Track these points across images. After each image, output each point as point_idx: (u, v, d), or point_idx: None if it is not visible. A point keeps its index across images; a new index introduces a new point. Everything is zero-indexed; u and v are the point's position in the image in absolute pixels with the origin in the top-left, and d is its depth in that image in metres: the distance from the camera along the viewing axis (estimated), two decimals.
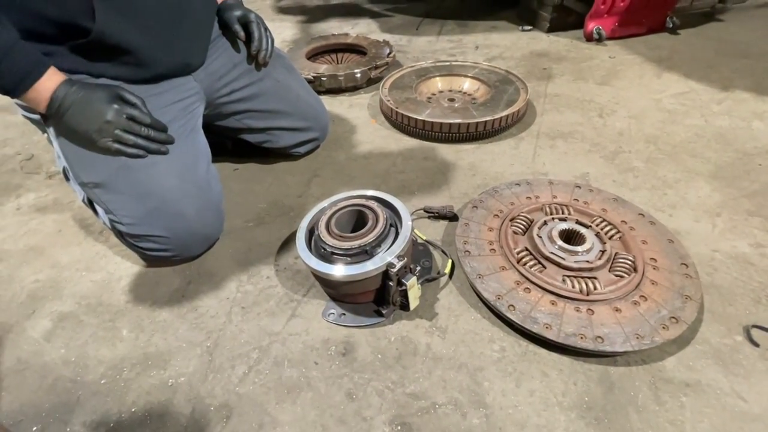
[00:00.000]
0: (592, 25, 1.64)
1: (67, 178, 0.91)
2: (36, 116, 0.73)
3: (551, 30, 1.76)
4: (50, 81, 0.64)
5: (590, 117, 1.18)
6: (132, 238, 0.75)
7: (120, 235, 0.77)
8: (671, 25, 1.66)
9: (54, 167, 1.12)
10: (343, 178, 1.01)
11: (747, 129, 1.09)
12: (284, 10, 2.25)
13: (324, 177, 1.01)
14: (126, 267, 0.81)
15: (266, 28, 0.90)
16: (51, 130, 0.73)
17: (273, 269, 0.79)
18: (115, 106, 0.66)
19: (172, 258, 0.77)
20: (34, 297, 0.76)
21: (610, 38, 1.66)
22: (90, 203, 0.86)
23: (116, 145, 0.68)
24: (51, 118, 0.68)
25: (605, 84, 1.36)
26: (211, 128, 0.95)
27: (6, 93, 0.63)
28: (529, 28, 1.82)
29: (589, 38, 1.65)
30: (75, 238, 0.89)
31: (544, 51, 1.61)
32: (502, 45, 1.68)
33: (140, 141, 0.69)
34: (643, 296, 0.64)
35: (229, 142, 1.08)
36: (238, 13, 0.87)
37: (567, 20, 1.75)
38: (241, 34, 0.85)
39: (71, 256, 0.85)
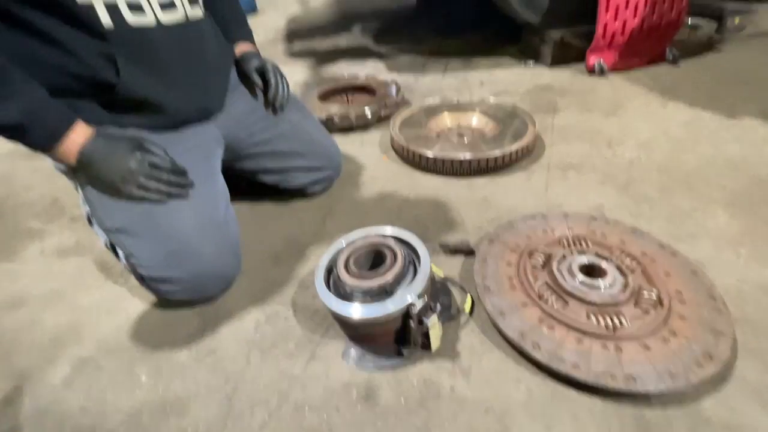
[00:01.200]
0: (593, 59, 1.69)
1: (90, 223, 0.93)
2: (65, 168, 0.77)
3: (554, 64, 1.82)
4: (78, 136, 0.67)
5: (599, 148, 1.20)
6: (152, 280, 0.75)
7: (140, 278, 0.78)
8: (671, 57, 1.71)
9: (77, 211, 1.15)
10: (358, 214, 1.02)
11: (759, 155, 1.09)
12: (296, 54, 2.36)
13: (338, 214, 1.03)
14: (145, 309, 0.82)
15: (282, 76, 0.95)
16: (78, 179, 0.76)
17: (290, 309, 0.78)
18: (138, 155, 0.70)
19: (190, 300, 0.78)
20: (55, 341, 0.77)
21: (612, 70, 1.70)
22: (112, 247, 0.88)
23: (140, 192, 0.71)
24: (78, 170, 0.71)
25: (611, 115, 1.38)
26: (228, 170, 0.98)
27: (36, 149, 0.67)
28: (532, 63, 1.88)
29: (591, 71, 1.70)
30: (96, 281, 0.90)
31: (548, 85, 1.65)
32: (507, 80, 1.74)
33: (162, 186, 0.72)
34: (672, 332, 0.62)
35: (243, 183, 1.11)
36: (256, 63, 0.95)
37: (568, 54, 1.81)
38: (259, 82, 0.92)
39: (92, 299, 0.85)
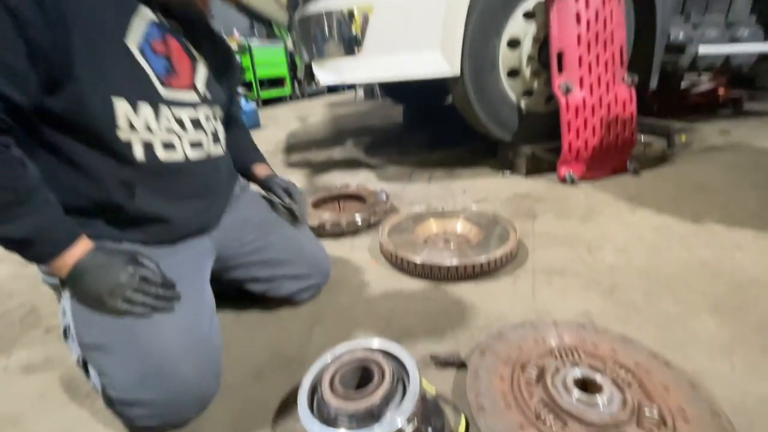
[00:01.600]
0: (564, 170, 1.86)
1: (65, 337, 0.90)
2: (54, 281, 0.77)
3: (528, 174, 2.00)
4: (78, 250, 0.69)
5: (580, 252, 1.25)
6: (121, 403, 0.70)
7: (109, 400, 0.72)
8: (632, 168, 1.90)
9: (54, 321, 1.11)
10: (346, 323, 1.00)
11: (730, 260, 1.15)
12: (293, 165, 2.57)
13: (326, 323, 1.01)
14: None
15: (301, 193, 1.10)
16: (62, 291, 0.76)
17: None
18: (130, 268, 0.70)
19: (161, 426, 0.71)
20: None
21: (581, 179, 1.87)
22: (84, 365, 0.83)
23: (125, 305, 0.70)
24: (67, 282, 0.71)
25: (587, 221, 1.47)
26: (217, 279, 0.99)
27: (33, 261, 0.68)
28: (509, 173, 2.07)
29: (563, 181, 1.86)
30: (58, 402, 0.83)
31: (526, 193, 1.79)
32: (487, 189, 1.88)
33: (149, 300, 0.71)
34: None
35: (231, 290, 1.11)
36: (281, 183, 1.09)
37: (541, 166, 2.00)
38: (287, 199, 1.06)
39: (50, 424, 0.77)
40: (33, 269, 1.38)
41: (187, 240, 0.86)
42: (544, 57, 1.86)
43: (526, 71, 1.91)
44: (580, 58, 1.75)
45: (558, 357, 0.78)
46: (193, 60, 0.85)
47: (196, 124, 0.84)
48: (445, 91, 2.16)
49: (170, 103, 0.78)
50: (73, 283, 0.70)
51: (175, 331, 0.73)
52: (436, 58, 1.76)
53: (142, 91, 0.73)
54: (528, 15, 1.83)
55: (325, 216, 1.51)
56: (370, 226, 1.53)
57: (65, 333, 0.89)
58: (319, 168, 2.44)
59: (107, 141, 0.71)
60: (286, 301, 1.07)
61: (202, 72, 0.87)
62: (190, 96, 0.83)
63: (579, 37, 1.73)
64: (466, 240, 1.34)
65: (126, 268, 0.70)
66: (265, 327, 1.01)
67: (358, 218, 1.48)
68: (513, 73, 1.93)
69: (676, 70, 2.33)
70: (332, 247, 1.38)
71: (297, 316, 1.04)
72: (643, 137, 2.07)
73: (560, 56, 1.76)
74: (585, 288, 1.07)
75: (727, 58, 2.31)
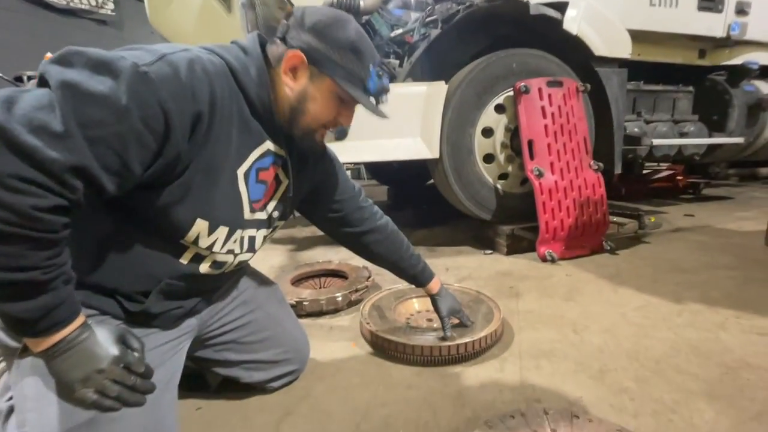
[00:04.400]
0: (543, 249, 1.90)
1: (4, 420, 0.77)
2: (14, 343, 0.65)
3: (509, 253, 2.03)
4: (70, 327, 0.58)
5: (566, 333, 1.21)
6: None
7: None
8: (609, 248, 1.95)
9: None
10: (319, 416, 0.90)
11: (716, 341, 1.13)
12: (276, 240, 2.55)
13: (297, 415, 0.91)
14: None
15: (468, 317, 1.17)
16: (20, 364, 0.64)
17: None
18: (116, 353, 0.60)
19: None
20: None
21: (561, 259, 1.90)
22: None
23: (94, 396, 0.58)
24: (40, 356, 0.58)
25: (570, 299, 1.46)
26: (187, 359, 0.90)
27: (18, 333, 0.60)
28: (491, 252, 2.09)
29: (543, 260, 1.89)
30: None
31: (508, 271, 1.79)
32: (469, 267, 1.88)
33: (123, 393, 0.60)
34: None
35: (213, 382, 1.00)
36: (450, 303, 1.13)
37: (520, 245, 2.04)
38: (454, 321, 1.13)
39: None
40: None
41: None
42: (516, 144, 2.01)
43: (501, 156, 2.05)
44: (549, 146, 1.91)
45: None
46: (278, 182, 0.80)
47: (252, 243, 0.80)
48: (427, 173, 2.28)
49: (246, 227, 0.75)
50: (48, 359, 0.58)
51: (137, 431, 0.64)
52: (416, 143, 1.90)
53: (227, 217, 0.70)
54: (499, 108, 2.03)
55: (304, 294, 1.46)
56: (350, 303, 1.47)
57: (5, 417, 0.76)
58: (302, 244, 2.42)
59: (166, 244, 0.68)
60: (257, 389, 0.97)
61: (281, 191, 0.81)
62: (261, 216, 0.78)
63: (546, 128, 1.91)
64: (449, 319, 1.29)
65: (109, 354, 0.60)
66: (228, 421, 0.90)
67: (339, 296, 1.43)
68: (488, 157, 2.06)
69: (636, 159, 2.54)
70: (309, 327, 1.31)
71: (266, 407, 0.93)
72: (615, 218, 2.17)
73: (530, 144, 1.92)
74: (575, 372, 1.01)
75: (680, 149, 2.56)
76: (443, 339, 1.08)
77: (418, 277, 1.10)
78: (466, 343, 1.07)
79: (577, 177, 1.94)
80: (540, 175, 1.88)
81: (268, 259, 2.12)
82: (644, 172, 3.60)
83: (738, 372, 0.98)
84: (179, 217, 0.64)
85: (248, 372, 0.94)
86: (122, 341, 0.63)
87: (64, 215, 0.51)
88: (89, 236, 0.64)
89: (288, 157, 0.78)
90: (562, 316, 1.33)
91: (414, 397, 0.95)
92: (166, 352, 0.76)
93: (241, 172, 0.70)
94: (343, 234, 1.04)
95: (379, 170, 4.11)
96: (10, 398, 0.71)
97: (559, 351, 1.12)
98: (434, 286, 1.11)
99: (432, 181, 2.32)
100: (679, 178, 3.44)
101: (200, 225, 0.67)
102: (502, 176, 2.10)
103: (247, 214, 0.74)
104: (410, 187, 3.90)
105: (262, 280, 1.04)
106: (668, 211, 2.86)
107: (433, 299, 1.12)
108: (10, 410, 0.73)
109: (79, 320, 0.59)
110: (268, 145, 0.74)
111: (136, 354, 0.63)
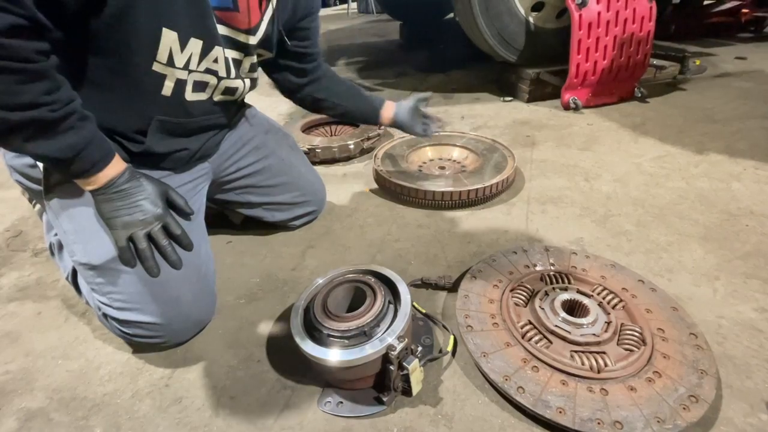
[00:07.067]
0: (568, 96, 1.76)
1: (52, 253, 0.88)
2: (36, 186, 0.72)
3: (530, 100, 1.89)
4: (112, 169, 0.61)
5: (577, 181, 1.22)
6: (120, 323, 0.71)
7: (105, 317, 0.73)
8: (640, 95, 1.80)
9: (41, 244, 1.09)
10: (339, 248, 1.00)
11: (727, 190, 1.14)
12: None
13: (319, 248, 1.00)
14: (107, 353, 0.76)
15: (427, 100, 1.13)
16: (50, 205, 0.71)
17: (265, 351, 0.74)
18: (159, 211, 0.62)
19: (160, 344, 0.73)
20: (2, 392, 0.70)
21: (585, 107, 1.78)
22: (74, 281, 0.83)
23: (125, 243, 0.61)
24: (94, 196, 0.62)
25: (587, 149, 1.42)
26: (211, 202, 0.96)
27: (64, 175, 0.63)
28: (510, 99, 1.95)
29: (566, 108, 1.77)
30: (55, 321, 0.84)
31: (526, 120, 1.71)
32: (486, 115, 1.79)
33: (153, 250, 0.62)
34: (656, 372, 0.61)
35: (237, 220, 1.08)
36: (412, 104, 1.07)
37: (544, 91, 1.89)
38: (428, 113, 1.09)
39: (48, 343, 0.79)
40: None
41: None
42: None
43: None
44: None
45: (548, 282, 0.79)
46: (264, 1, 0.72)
47: (237, 68, 0.76)
48: (447, 6, 1.94)
49: (224, 45, 0.69)
50: (98, 201, 0.62)
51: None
52: None
53: (196, 26, 0.63)
54: None
55: (316, 141, 1.44)
56: (363, 152, 1.46)
57: (52, 250, 0.87)
58: None
59: (139, 72, 0.63)
60: (281, 227, 1.06)
61: (268, 14, 0.74)
62: (246, 38, 0.73)
63: None
64: (462, 167, 1.30)
65: (152, 210, 0.62)
66: (258, 252, 1.00)
67: (351, 143, 1.41)
68: None
69: None
70: (323, 174, 1.33)
71: (290, 242, 1.03)
72: (654, 61, 1.93)
73: None
74: (579, 216, 1.06)
75: None
76: (426, 136, 1.10)
77: (377, 107, 1.04)
78: (477, 189, 1.10)
79: (625, 7, 1.64)
80: (583, 4, 1.59)
81: (276, 106, 2.04)
82: (705, 2, 3.03)
83: (739, 219, 1.02)
84: (143, 27, 0.58)
85: (270, 212, 1.00)
86: (166, 197, 0.65)
87: (30, 39, 0.48)
88: (78, 81, 0.62)
89: None
90: (575, 165, 1.32)
91: (424, 235, 1.03)
92: (186, 190, 0.80)
93: None
94: (299, 84, 0.97)
95: (390, 1, 3.53)
96: (56, 234, 0.78)
97: (567, 197, 1.15)
98: (389, 105, 1.05)
99: (452, 15, 1.99)
100: (744, 11, 2.90)
101: (169, 36, 0.61)
102: (537, 6, 1.79)
103: (221, 29, 0.67)
104: (426, 24, 3.41)
105: (270, 125, 1.02)
106: (718, 53, 2.53)
107: (396, 116, 1.05)
108: (60, 243, 0.82)
109: (120, 165, 0.62)
110: None
111: (177, 208, 0.66)
